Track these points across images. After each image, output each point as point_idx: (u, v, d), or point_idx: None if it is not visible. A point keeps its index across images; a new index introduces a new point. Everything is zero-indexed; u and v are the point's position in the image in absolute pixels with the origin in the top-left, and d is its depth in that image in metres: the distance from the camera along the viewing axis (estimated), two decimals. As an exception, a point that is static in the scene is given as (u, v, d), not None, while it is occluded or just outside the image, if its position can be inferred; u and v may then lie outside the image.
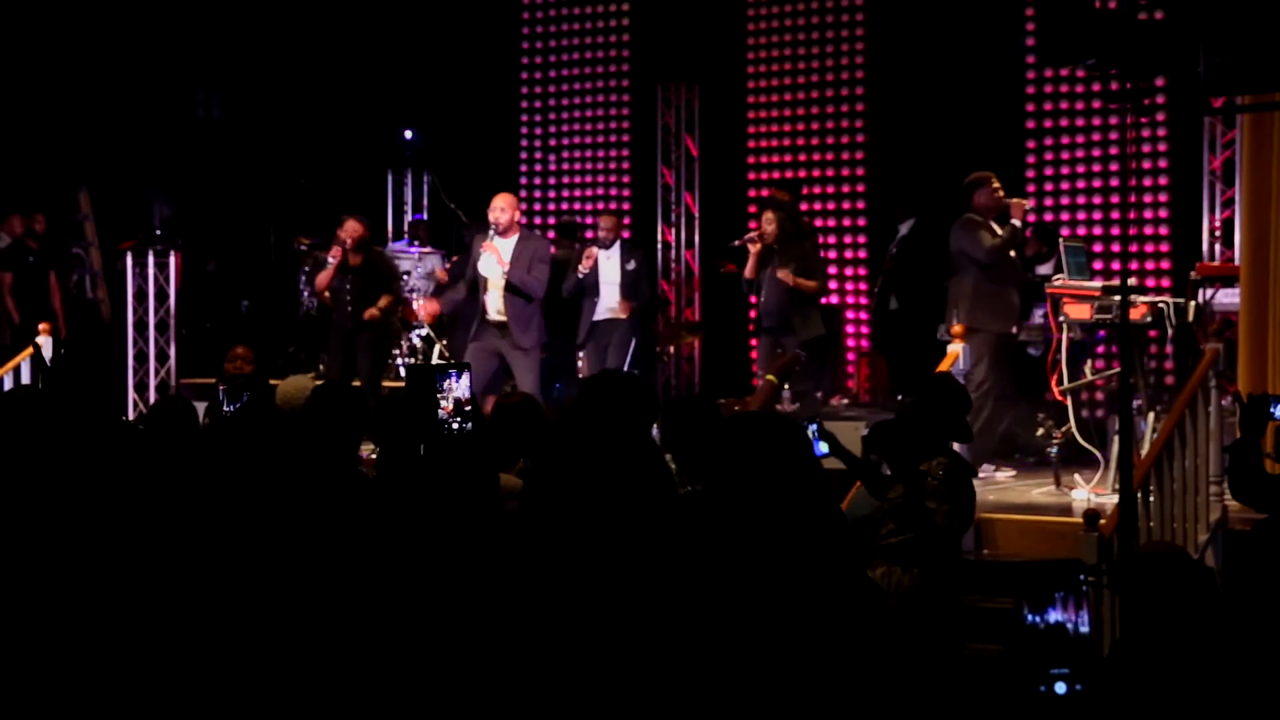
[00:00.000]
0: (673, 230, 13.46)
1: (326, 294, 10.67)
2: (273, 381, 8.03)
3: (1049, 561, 3.21)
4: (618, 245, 10.93)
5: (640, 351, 10.87)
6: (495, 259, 9.57)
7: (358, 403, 5.03)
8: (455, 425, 4.54)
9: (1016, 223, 8.95)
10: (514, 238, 9.65)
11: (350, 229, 10.32)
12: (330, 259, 10.24)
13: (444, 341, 11.79)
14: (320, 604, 3.66)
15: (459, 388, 4.60)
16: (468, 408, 4.63)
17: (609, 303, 10.70)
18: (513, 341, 9.55)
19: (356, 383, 10.67)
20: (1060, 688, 3.11)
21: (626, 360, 10.50)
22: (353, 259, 10.39)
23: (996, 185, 9.07)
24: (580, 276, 10.69)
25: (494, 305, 9.63)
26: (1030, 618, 3.14)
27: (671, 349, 12.99)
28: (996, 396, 8.80)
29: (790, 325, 9.82)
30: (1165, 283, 11.27)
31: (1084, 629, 3.14)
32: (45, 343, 9.58)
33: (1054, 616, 3.14)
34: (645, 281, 11.06)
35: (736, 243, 10.47)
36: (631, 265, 10.77)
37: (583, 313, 10.92)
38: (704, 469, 4.64)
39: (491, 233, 9.68)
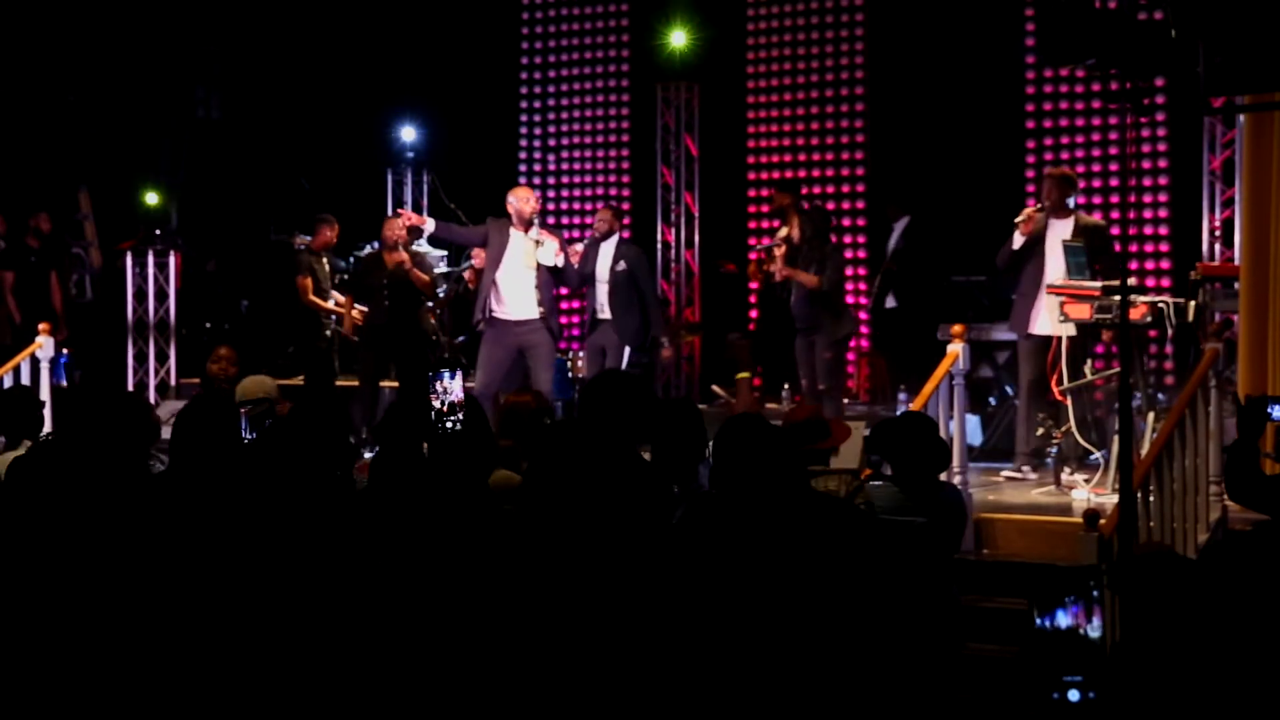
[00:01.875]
0: (673, 230, 13.46)
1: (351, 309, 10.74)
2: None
3: (1063, 567, 3.20)
4: (614, 240, 10.53)
5: (636, 356, 10.70)
6: (555, 247, 9.69)
7: (338, 412, 5.00)
8: (448, 425, 4.53)
9: (1016, 220, 8.87)
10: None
11: (398, 227, 10.40)
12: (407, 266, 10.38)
13: (446, 339, 11.81)
14: (314, 608, 3.66)
15: (453, 388, 4.60)
16: (460, 408, 4.63)
17: (601, 300, 10.45)
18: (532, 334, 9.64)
19: (385, 383, 10.73)
20: (1073, 695, 3.09)
21: (622, 365, 10.36)
22: (390, 258, 10.40)
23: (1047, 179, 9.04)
24: (575, 269, 10.51)
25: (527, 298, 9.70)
26: (1041, 622, 3.13)
27: (671, 348, 12.98)
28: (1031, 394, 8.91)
29: (819, 325, 9.80)
30: (1165, 283, 11.27)
31: (1095, 634, 3.13)
32: (46, 343, 9.58)
33: (1065, 622, 3.12)
34: (644, 278, 10.50)
35: (778, 239, 10.33)
36: (621, 266, 10.38)
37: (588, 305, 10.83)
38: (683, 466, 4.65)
39: (538, 225, 9.73)
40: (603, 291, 10.33)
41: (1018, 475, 8.84)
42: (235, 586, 3.74)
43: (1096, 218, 9.60)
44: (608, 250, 10.36)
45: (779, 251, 10.05)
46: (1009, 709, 5.02)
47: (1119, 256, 8.45)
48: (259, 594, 3.72)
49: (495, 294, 9.72)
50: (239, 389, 7.91)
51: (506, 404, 6.20)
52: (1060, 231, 8.70)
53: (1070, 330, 8.38)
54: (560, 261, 9.71)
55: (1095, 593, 3.12)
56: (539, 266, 9.66)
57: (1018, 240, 8.78)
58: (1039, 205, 8.91)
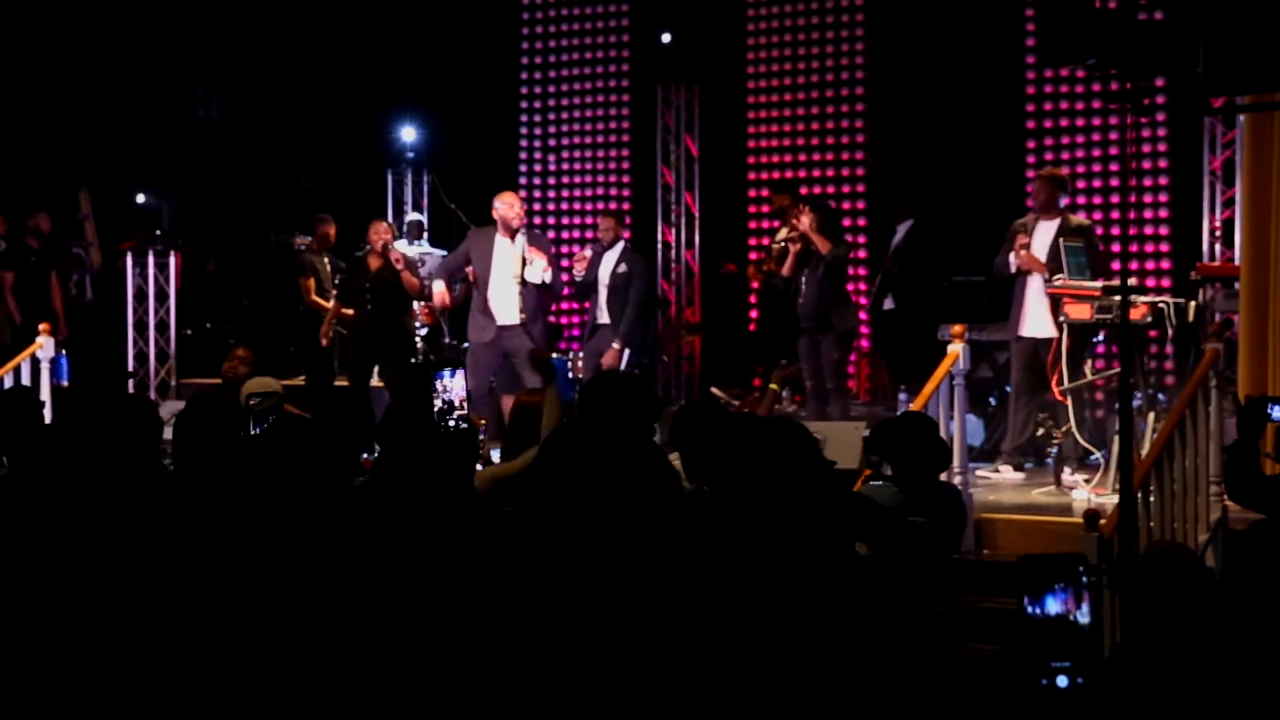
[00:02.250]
0: (673, 230, 13.46)
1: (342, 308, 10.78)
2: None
3: (1049, 556, 3.19)
4: (619, 246, 10.75)
5: (636, 357, 10.77)
6: (544, 264, 9.73)
7: (363, 408, 5.03)
8: (450, 423, 4.55)
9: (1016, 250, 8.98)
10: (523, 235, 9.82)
11: (383, 231, 10.45)
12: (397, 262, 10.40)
13: (451, 340, 11.81)
14: (313, 608, 3.66)
15: (453, 387, 4.62)
16: (461, 407, 4.65)
17: (601, 305, 10.60)
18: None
19: (375, 383, 10.76)
20: (1062, 681, 3.10)
21: (621, 367, 10.43)
22: (374, 262, 10.43)
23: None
24: (579, 279, 10.65)
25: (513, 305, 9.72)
26: (1031, 609, 3.13)
27: (671, 349, 12.99)
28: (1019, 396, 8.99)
29: (829, 322, 9.84)
30: (1165, 283, 11.28)
31: (1084, 620, 3.14)
32: (46, 343, 9.58)
33: (1054, 609, 3.13)
34: (637, 286, 10.72)
35: (779, 240, 10.38)
36: (622, 269, 10.54)
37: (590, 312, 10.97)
38: (710, 471, 4.64)
39: (526, 240, 9.77)
40: (603, 296, 10.50)
41: (994, 474, 8.88)
42: (238, 584, 3.75)
43: (1082, 217, 9.60)
44: (611, 257, 10.57)
45: (794, 248, 10.06)
46: (998, 697, 5.02)
47: (1106, 257, 8.49)
48: (261, 592, 3.72)
49: (483, 302, 9.77)
50: (244, 388, 7.98)
51: (518, 403, 6.21)
52: (1046, 232, 8.74)
53: (1054, 331, 8.48)
54: (549, 278, 9.78)
55: (1084, 579, 3.12)
56: (532, 279, 9.72)
57: (1013, 263, 8.85)
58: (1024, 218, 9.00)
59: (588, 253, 10.69)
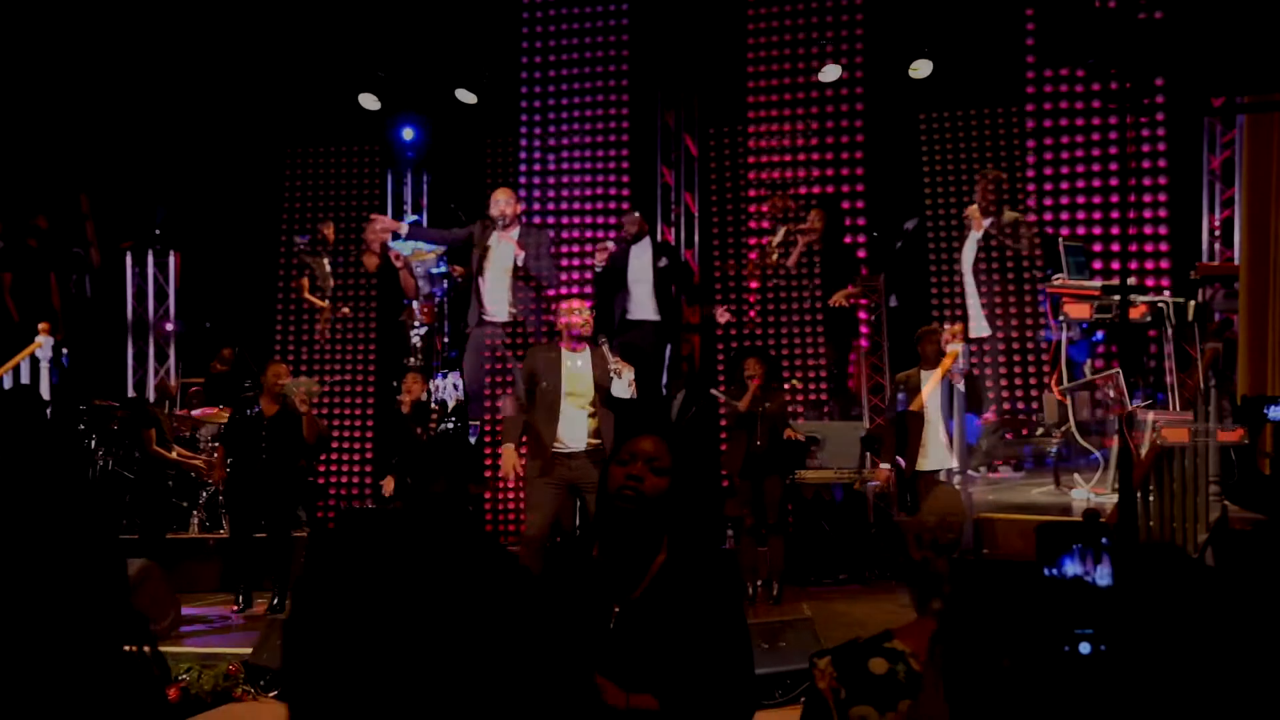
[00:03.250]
0: (673, 230, 13.46)
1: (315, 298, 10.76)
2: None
3: (1070, 522, 3.19)
4: (648, 241, 10.80)
5: (674, 357, 10.85)
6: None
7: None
8: (447, 424, 4.56)
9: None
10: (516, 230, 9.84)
11: (377, 231, 10.45)
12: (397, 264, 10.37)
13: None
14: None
15: (444, 387, 4.63)
16: (454, 406, 4.66)
17: (640, 300, 10.64)
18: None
19: None
20: (1084, 648, 3.09)
21: (664, 366, 10.49)
22: (370, 263, 10.44)
23: None
24: (598, 269, 10.66)
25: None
26: (1048, 572, 3.12)
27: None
28: None
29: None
30: (1165, 283, 11.27)
31: (1104, 583, 3.13)
32: (45, 342, 9.59)
33: (1072, 571, 3.12)
34: (682, 278, 10.92)
35: (782, 232, 10.45)
36: (663, 263, 10.67)
37: (614, 307, 10.97)
38: None
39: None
40: (642, 291, 10.52)
41: (993, 474, 8.96)
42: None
43: (1015, 212, 9.65)
44: (643, 251, 10.57)
45: (801, 240, 10.13)
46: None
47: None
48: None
49: (479, 297, 9.80)
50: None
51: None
52: (974, 234, 8.93)
53: (989, 329, 8.67)
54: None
55: (1104, 540, 3.11)
56: (515, 269, 9.74)
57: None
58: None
59: (610, 245, 10.72)
